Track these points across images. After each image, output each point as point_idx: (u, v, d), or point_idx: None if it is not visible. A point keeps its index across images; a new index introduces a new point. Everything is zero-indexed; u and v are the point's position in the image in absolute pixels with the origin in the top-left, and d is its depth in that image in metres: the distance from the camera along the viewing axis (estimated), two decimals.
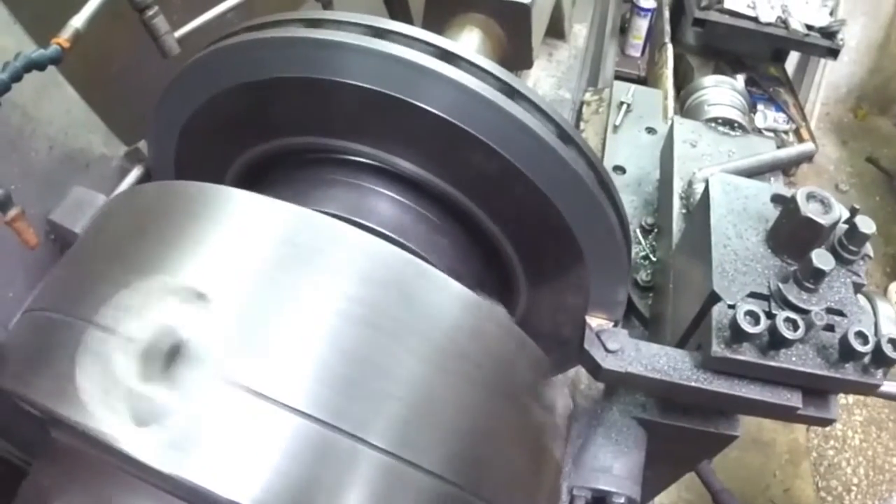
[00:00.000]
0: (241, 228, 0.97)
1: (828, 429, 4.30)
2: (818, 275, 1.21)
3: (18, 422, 0.98)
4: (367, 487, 0.84)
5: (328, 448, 0.83)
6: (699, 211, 1.44)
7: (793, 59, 5.70)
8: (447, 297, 1.00)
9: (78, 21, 1.24)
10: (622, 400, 1.40)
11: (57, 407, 0.85)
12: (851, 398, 4.39)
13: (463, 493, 0.92)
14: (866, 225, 1.28)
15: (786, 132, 4.91)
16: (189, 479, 0.79)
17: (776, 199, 1.38)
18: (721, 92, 1.95)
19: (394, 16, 2.11)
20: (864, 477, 4.16)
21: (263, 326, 0.88)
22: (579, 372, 1.36)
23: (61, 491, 0.94)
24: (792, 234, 1.28)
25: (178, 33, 1.43)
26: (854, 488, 4.11)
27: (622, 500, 1.32)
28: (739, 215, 1.35)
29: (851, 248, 1.31)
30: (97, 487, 0.91)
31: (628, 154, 2.03)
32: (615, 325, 1.33)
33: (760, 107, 4.97)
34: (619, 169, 1.98)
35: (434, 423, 0.91)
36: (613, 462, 1.35)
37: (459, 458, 0.93)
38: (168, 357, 0.84)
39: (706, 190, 1.41)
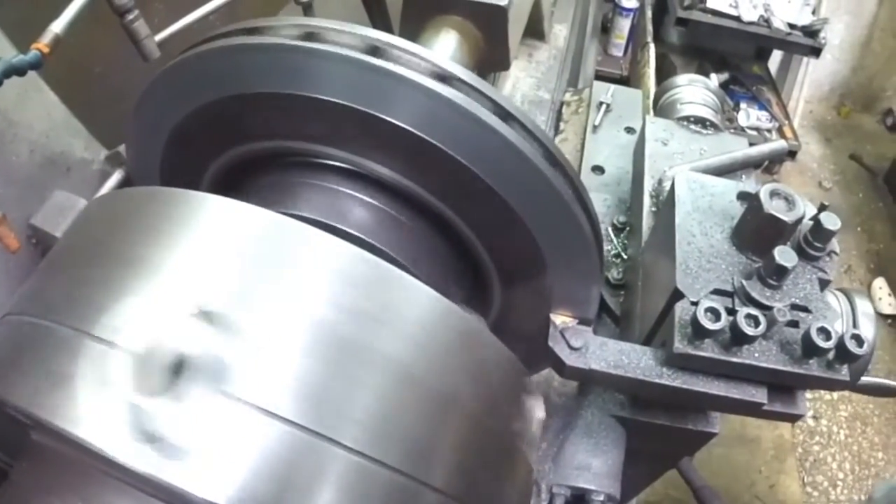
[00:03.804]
0: (216, 234, 0.98)
1: (813, 424, 4.32)
2: (781, 271, 1.23)
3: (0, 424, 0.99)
4: (341, 488, 0.86)
5: (302, 450, 0.85)
6: (665, 209, 1.46)
7: (776, 57, 5.74)
8: (420, 302, 1.01)
9: (58, 26, 1.25)
10: (600, 398, 1.41)
11: (37, 410, 0.86)
12: (836, 394, 4.41)
13: (434, 493, 0.93)
14: (831, 222, 1.30)
15: (769, 130, 4.94)
16: (166, 481, 0.80)
17: (742, 196, 1.40)
18: (694, 90, 1.96)
19: (372, 19, 2.12)
20: (849, 472, 4.17)
21: (238, 330, 0.89)
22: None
23: (42, 492, 0.95)
24: (756, 232, 1.29)
25: (159, 37, 1.44)
26: (840, 483, 4.13)
27: (601, 497, 1.33)
28: (705, 213, 1.37)
29: (817, 244, 1.32)
30: (77, 488, 0.91)
31: (607, 154, 2.04)
32: (588, 324, 1.35)
33: (744, 105, 5.00)
34: (598, 169, 1.99)
35: (407, 426, 0.93)
36: (592, 460, 1.37)
37: (431, 459, 0.95)
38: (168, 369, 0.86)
39: (672, 188, 1.42)
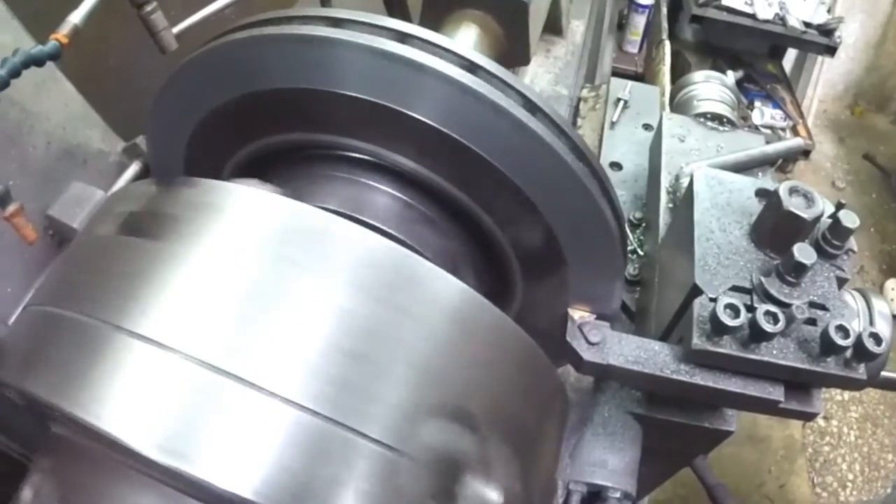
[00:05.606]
0: (240, 224, 0.98)
1: (823, 425, 4.31)
2: (800, 269, 1.22)
3: (18, 417, 0.99)
4: (365, 479, 0.86)
5: (327, 441, 0.85)
6: (684, 205, 1.46)
7: (790, 56, 5.71)
8: (443, 291, 1.01)
9: (76, 17, 1.25)
10: (617, 395, 1.41)
11: (57, 401, 0.86)
12: (847, 394, 4.40)
13: (459, 487, 0.94)
14: (850, 220, 1.29)
15: (783, 129, 4.92)
16: (190, 473, 0.80)
17: (760, 193, 1.39)
18: (710, 87, 1.94)
19: (391, 12, 2.12)
20: (859, 473, 4.16)
21: (262, 320, 0.90)
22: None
23: (62, 484, 0.95)
24: (775, 229, 1.29)
25: (177, 29, 1.44)
26: (849, 484, 4.12)
27: (618, 494, 1.32)
28: (723, 209, 1.36)
29: (835, 242, 1.32)
30: (98, 480, 0.92)
31: (625, 150, 2.03)
32: (607, 319, 1.35)
33: (758, 104, 4.98)
34: (616, 165, 1.98)
35: (431, 417, 0.93)
36: (609, 457, 1.36)
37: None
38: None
39: (690, 184, 1.42)
